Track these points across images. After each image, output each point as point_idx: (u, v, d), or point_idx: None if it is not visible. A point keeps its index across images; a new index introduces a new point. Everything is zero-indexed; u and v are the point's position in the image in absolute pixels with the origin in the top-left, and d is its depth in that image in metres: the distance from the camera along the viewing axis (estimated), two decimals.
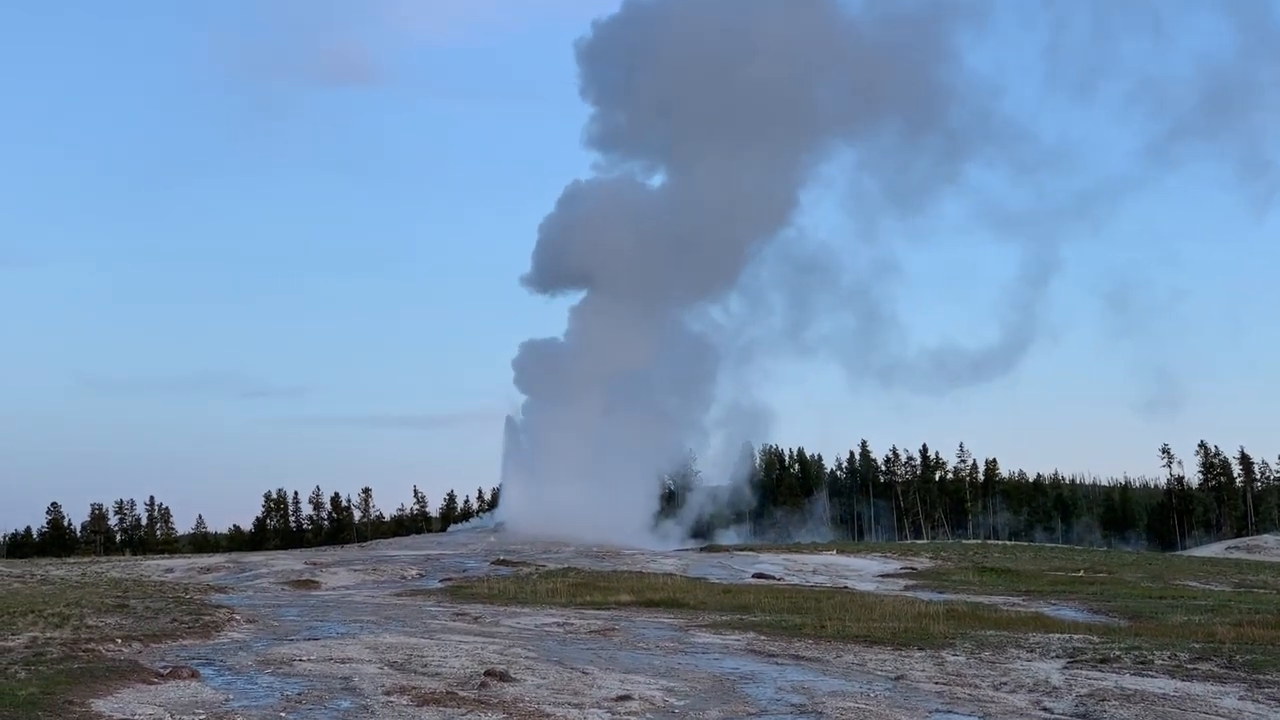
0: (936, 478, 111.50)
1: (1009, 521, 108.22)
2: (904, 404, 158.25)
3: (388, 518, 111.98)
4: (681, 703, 13.31)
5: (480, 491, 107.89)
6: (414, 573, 37.33)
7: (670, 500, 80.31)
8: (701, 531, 76.98)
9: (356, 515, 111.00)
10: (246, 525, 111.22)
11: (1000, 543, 76.61)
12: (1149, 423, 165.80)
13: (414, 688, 13.45)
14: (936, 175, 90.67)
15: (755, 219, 77.93)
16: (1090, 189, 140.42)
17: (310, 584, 33.72)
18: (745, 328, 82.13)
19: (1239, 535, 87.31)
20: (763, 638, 19.63)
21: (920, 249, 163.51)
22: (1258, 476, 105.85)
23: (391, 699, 12.87)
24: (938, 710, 13.37)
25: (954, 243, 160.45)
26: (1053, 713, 13.57)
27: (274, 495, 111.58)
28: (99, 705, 12.17)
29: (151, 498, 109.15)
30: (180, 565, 40.19)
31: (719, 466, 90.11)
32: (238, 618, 20.91)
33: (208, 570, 38.07)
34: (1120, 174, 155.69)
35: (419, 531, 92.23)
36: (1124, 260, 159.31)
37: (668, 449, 77.41)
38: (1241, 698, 14.14)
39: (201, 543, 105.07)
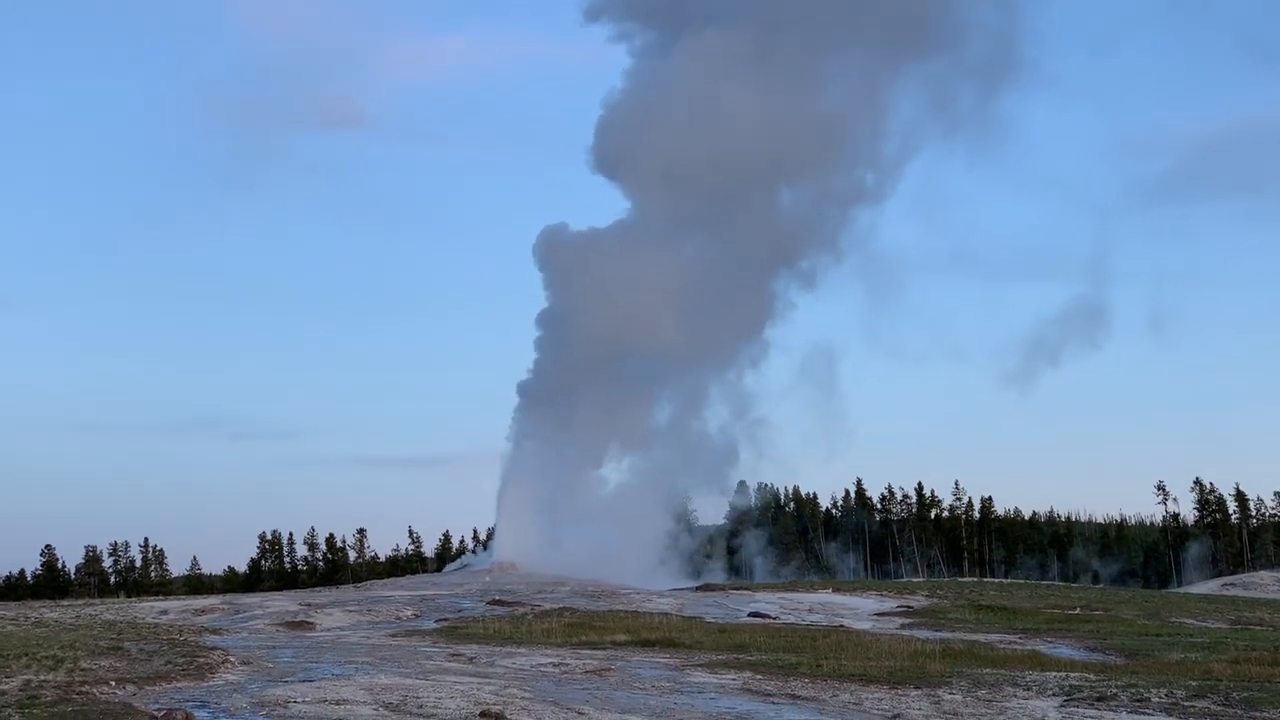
0: (932, 515, 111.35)
1: (1005, 559, 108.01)
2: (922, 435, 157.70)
3: (383, 558, 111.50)
4: None
5: (475, 531, 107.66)
6: (409, 613, 37.20)
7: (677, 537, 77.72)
8: (697, 571, 76.04)
9: (351, 556, 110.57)
10: (241, 567, 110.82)
11: (996, 580, 76.39)
12: (1159, 458, 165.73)
13: None
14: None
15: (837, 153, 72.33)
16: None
17: (305, 625, 33.59)
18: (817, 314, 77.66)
19: (1235, 572, 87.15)
20: (759, 677, 19.58)
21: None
22: (1253, 513, 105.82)
23: None
24: None
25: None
26: None
27: (268, 536, 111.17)
28: None
29: (146, 539, 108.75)
30: (175, 607, 40.01)
31: (715, 505, 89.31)
32: (232, 660, 20.84)
33: (202, 612, 37.91)
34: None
35: (414, 572, 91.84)
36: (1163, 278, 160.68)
37: (698, 472, 73.16)
38: None
39: (196, 584, 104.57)
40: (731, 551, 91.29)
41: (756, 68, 71.59)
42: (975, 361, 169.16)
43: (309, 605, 39.15)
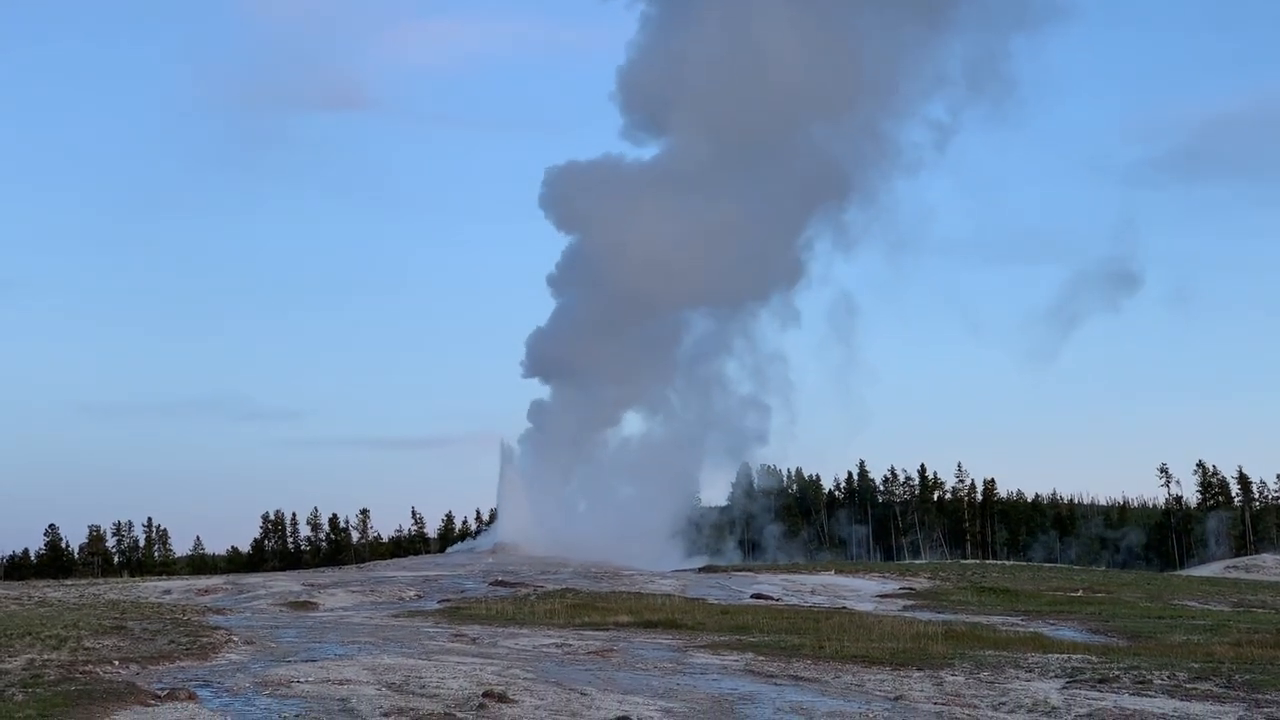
0: (935, 497, 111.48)
1: (1007, 541, 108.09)
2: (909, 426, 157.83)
3: (385, 539, 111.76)
4: None
5: (478, 512, 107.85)
6: (412, 594, 37.26)
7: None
8: (708, 550, 75.59)
9: (354, 536, 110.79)
10: (244, 547, 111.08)
11: (999, 562, 76.47)
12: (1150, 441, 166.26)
13: (412, 709, 13.43)
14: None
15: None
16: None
17: (308, 605, 33.64)
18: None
19: (1237, 555, 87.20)
20: (761, 658, 19.60)
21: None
22: (1256, 496, 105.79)
23: None
24: None
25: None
26: None
27: (272, 517, 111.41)
28: None
29: (149, 519, 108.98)
30: (178, 587, 40.09)
31: (718, 486, 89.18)
32: (235, 639, 20.87)
33: (205, 592, 37.99)
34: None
35: (417, 552, 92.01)
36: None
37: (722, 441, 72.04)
38: (1240, 718, 14.14)
39: (199, 564, 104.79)
40: (733, 533, 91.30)
41: (789, 10, 70.72)
42: (981, 342, 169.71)
43: (312, 585, 39.22)
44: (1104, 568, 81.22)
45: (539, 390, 69.70)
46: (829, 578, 47.23)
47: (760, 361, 71.34)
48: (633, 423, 71.82)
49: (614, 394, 68.34)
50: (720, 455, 75.06)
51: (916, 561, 79.73)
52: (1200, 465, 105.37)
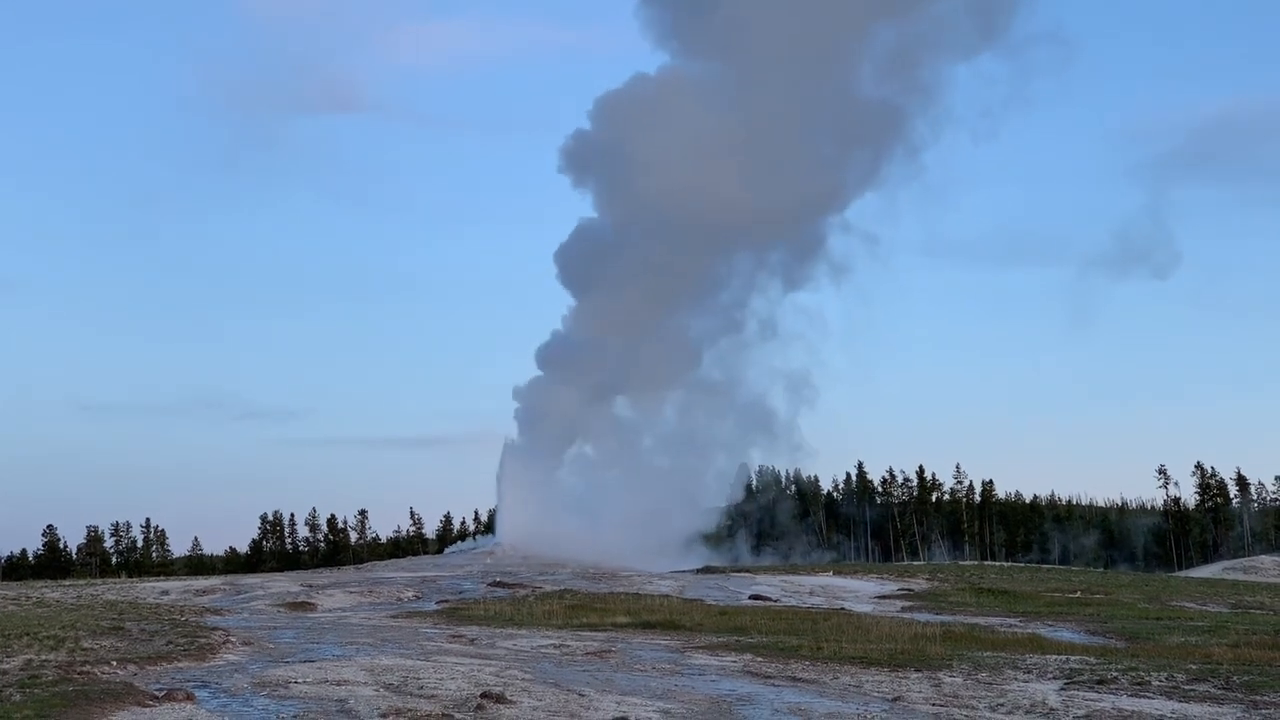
0: (933, 499, 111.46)
1: (1005, 542, 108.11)
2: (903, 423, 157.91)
3: (384, 539, 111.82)
4: None
5: (477, 513, 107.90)
6: (410, 594, 37.23)
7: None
8: (711, 550, 75.22)
9: (353, 537, 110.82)
10: (242, 547, 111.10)
11: (997, 564, 76.44)
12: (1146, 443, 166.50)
13: (410, 710, 13.43)
14: None
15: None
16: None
17: (306, 606, 33.60)
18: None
19: (1236, 556, 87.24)
20: (759, 659, 19.59)
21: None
22: (1254, 497, 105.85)
23: None
24: None
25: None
26: None
27: (270, 517, 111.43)
28: None
29: (147, 520, 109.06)
30: (176, 587, 40.04)
31: (716, 488, 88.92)
32: (233, 640, 20.86)
33: (203, 592, 37.94)
34: None
35: (415, 553, 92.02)
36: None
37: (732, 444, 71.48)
38: (1239, 719, 14.13)
39: (197, 565, 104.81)
40: (733, 534, 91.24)
41: None
42: (981, 343, 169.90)
43: (310, 586, 39.20)
44: (1102, 569, 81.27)
45: (545, 382, 68.62)
46: (827, 579, 47.21)
47: (788, 334, 71.31)
48: (651, 409, 70.83)
49: (633, 373, 67.75)
50: (745, 445, 74.91)
51: (915, 563, 79.70)
52: (1199, 467, 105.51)
